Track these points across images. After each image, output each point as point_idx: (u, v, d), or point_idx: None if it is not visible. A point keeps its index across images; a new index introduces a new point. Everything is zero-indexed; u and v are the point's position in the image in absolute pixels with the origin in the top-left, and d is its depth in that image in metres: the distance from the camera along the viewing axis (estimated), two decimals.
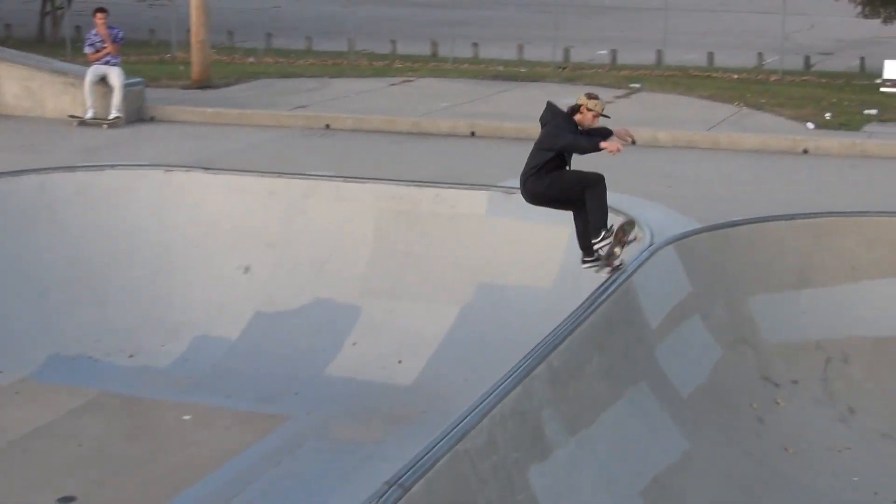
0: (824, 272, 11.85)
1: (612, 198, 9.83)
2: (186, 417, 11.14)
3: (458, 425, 7.54)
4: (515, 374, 8.36)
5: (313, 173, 14.08)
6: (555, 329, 9.13)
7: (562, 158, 9.46)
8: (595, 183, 9.53)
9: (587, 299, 9.68)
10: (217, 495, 9.60)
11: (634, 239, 10.03)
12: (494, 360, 9.92)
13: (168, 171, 14.18)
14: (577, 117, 9.51)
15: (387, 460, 9.16)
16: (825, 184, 14.50)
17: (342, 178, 13.77)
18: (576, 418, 8.79)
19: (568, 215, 9.90)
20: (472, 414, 7.71)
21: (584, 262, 9.96)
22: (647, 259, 10.66)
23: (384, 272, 12.80)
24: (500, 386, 8.13)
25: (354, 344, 12.27)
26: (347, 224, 13.19)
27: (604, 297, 9.71)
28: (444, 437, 7.37)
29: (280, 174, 13.98)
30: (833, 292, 11.77)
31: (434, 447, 7.23)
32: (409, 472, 6.91)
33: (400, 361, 11.97)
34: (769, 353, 11.31)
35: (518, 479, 7.84)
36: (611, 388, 9.45)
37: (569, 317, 9.38)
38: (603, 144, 9.16)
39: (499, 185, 13.32)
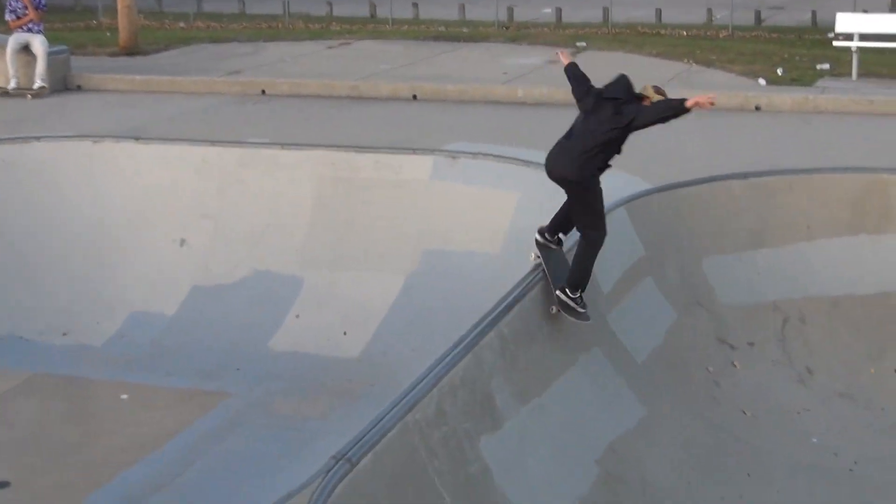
0: (779, 232, 11.73)
1: None
2: (124, 397, 10.89)
3: (406, 396, 7.49)
4: (464, 343, 8.29)
5: (249, 141, 13.78)
6: (504, 296, 9.00)
7: (619, 148, 8.94)
8: (597, 239, 9.05)
9: (537, 265, 9.48)
10: (159, 476, 9.35)
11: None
12: (443, 329, 9.79)
13: (97, 141, 13.86)
14: None
15: (334, 434, 8.98)
16: (778, 141, 14.33)
17: (279, 146, 13.46)
18: (527, 386, 8.72)
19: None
20: (421, 385, 7.66)
21: (544, 237, 9.46)
22: None
23: (325, 241, 12.57)
24: (448, 355, 8.06)
25: (297, 316, 12.03)
26: (286, 192, 12.93)
27: None
28: (392, 409, 7.32)
29: (214, 142, 13.66)
30: (789, 252, 11.64)
31: (381, 419, 7.18)
32: (357, 446, 6.86)
33: (345, 333, 11.74)
34: (725, 315, 11.18)
35: (469, 449, 7.79)
36: (563, 355, 9.35)
37: (518, 283, 9.24)
38: (689, 102, 8.70)
39: (443, 148, 13.08)
